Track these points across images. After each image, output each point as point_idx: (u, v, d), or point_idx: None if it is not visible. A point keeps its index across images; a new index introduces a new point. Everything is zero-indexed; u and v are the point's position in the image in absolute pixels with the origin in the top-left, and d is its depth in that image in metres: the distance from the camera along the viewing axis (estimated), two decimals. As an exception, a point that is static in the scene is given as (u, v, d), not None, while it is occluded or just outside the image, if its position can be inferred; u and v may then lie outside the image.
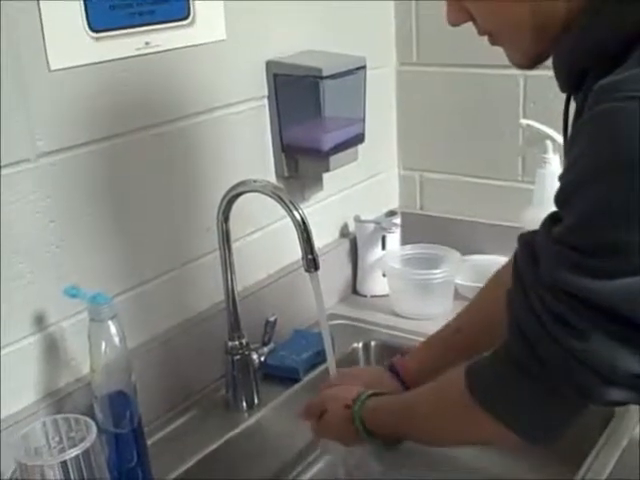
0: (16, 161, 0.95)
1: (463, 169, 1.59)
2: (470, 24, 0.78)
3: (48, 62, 0.96)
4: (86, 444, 0.81)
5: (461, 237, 1.56)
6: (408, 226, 1.58)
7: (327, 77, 1.26)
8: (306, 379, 1.28)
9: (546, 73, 0.80)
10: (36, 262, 1.00)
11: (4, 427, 0.96)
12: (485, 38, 0.79)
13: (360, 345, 1.40)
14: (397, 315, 1.48)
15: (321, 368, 1.30)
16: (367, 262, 1.55)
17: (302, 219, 1.03)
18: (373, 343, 1.41)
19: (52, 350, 1.03)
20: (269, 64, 1.28)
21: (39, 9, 0.94)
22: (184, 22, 1.11)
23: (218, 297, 1.20)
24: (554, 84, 1.40)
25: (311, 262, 1.07)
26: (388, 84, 1.59)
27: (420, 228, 1.60)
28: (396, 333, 1.41)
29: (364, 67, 1.33)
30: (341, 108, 1.33)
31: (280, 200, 1.05)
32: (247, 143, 1.28)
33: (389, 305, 1.50)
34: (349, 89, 1.33)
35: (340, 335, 1.39)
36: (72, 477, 0.79)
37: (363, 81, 1.35)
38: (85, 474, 0.80)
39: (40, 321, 1.01)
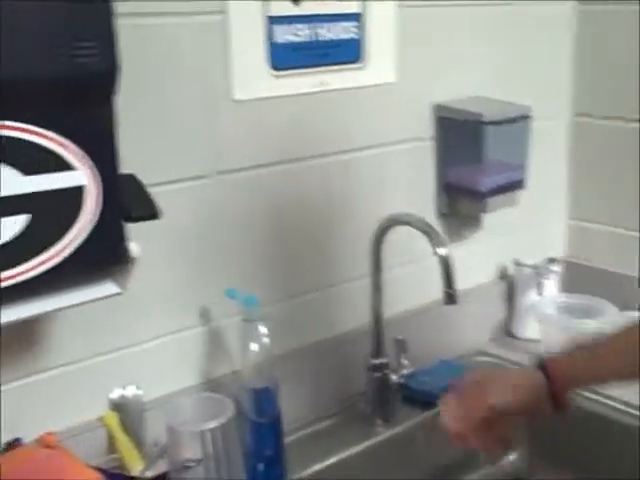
0: (197, 176, 1.12)
1: (632, 223, 1.58)
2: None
3: (233, 94, 1.12)
4: (223, 419, 0.93)
5: (621, 292, 1.54)
6: (568, 274, 1.59)
7: (490, 123, 1.33)
8: (444, 407, 1.33)
9: None
10: (207, 266, 1.15)
11: (164, 402, 1.11)
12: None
13: (505, 384, 1.43)
14: (546, 360, 1.49)
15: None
16: (522, 305, 1.58)
17: (445, 256, 1.11)
18: (519, 384, 1.43)
19: (213, 343, 1.18)
20: (435, 107, 1.37)
21: (230, 50, 1.10)
22: (356, 65, 1.24)
23: (363, 320, 1.29)
24: None
25: (449, 296, 1.14)
26: (559, 134, 1.63)
27: (580, 278, 1.61)
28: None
29: (529, 116, 1.39)
30: (502, 153, 1.39)
31: (427, 235, 1.13)
32: (408, 179, 1.38)
33: (539, 349, 1.52)
34: (512, 136, 1.39)
35: (486, 372, 1.43)
36: (211, 445, 0.92)
37: (527, 129, 1.40)
38: (221, 444, 0.92)
39: (206, 316, 1.17)
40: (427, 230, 1.14)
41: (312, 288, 1.28)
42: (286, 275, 1.24)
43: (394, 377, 1.30)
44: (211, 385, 1.16)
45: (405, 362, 1.32)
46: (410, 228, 1.17)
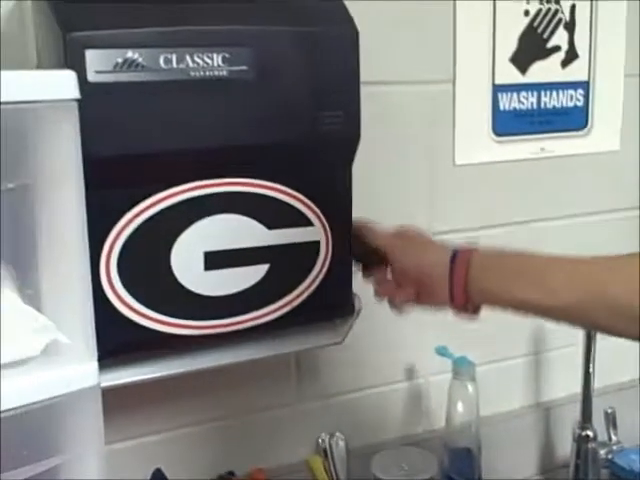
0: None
1: None
2: None
3: (455, 158, 1.16)
4: (426, 475, 0.95)
5: None
6: None
7: None
8: (654, 489, 1.27)
9: None
10: (416, 325, 1.17)
11: (367, 452, 1.14)
12: None
13: None
14: None
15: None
16: None
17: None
18: None
19: (416, 398, 1.20)
20: (659, 177, 1.33)
21: (455, 116, 1.15)
22: (580, 132, 1.24)
23: (572, 388, 1.27)
24: None
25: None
26: None
27: None
28: None
29: None
30: None
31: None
32: (623, 247, 1.33)
33: None
34: None
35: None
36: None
37: None
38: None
39: (411, 372, 1.20)
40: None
41: (521, 353, 1.28)
42: (496, 338, 1.24)
43: (601, 451, 1.25)
44: (413, 440, 1.19)
45: (614, 437, 1.27)
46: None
